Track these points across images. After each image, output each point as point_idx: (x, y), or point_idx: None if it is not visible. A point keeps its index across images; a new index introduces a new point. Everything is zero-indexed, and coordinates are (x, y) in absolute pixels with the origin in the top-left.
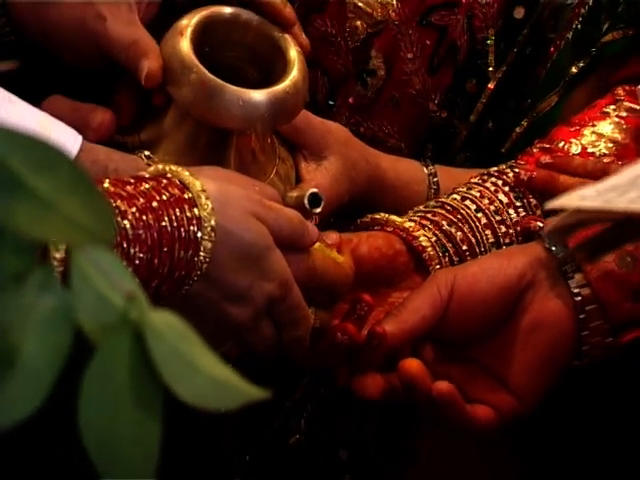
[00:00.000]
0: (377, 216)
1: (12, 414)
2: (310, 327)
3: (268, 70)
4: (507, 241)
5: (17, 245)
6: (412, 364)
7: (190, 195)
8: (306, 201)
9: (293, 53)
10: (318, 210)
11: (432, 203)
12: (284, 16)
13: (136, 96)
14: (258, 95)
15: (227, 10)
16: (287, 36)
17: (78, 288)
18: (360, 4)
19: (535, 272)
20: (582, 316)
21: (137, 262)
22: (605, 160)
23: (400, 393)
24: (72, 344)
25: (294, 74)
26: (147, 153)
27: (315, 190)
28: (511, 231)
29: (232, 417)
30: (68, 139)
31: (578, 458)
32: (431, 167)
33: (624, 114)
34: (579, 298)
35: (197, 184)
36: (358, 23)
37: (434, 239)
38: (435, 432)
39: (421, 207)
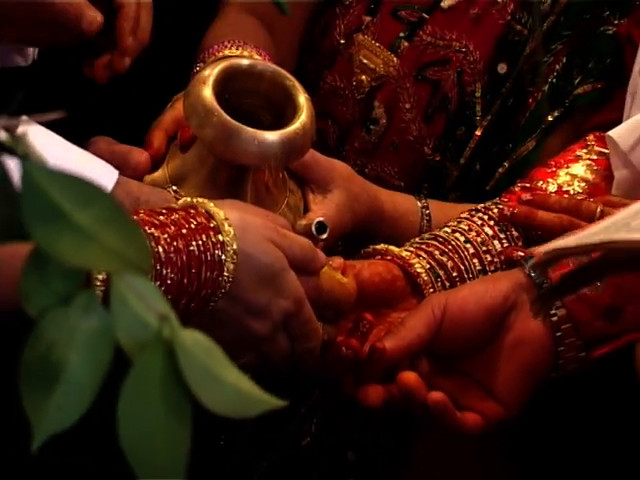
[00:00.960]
0: (378, 247)
1: (58, 423)
2: (320, 340)
3: (280, 114)
4: (492, 268)
5: (63, 271)
6: (409, 376)
7: (215, 223)
8: (313, 229)
9: (302, 99)
10: (324, 237)
11: (426, 235)
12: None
13: (165, 137)
14: (272, 136)
15: (244, 62)
16: (297, 84)
17: (117, 310)
18: (365, 61)
19: (517, 295)
20: (558, 334)
21: (169, 282)
22: (578, 197)
23: (399, 402)
24: (111, 360)
25: (303, 118)
26: (174, 188)
27: (321, 219)
28: (496, 260)
29: (250, 423)
30: (105, 174)
31: (564, 462)
32: (424, 201)
33: (595, 157)
34: (555, 318)
35: (221, 214)
36: (363, 77)
37: (428, 266)
38: (430, 437)
39: (416, 239)
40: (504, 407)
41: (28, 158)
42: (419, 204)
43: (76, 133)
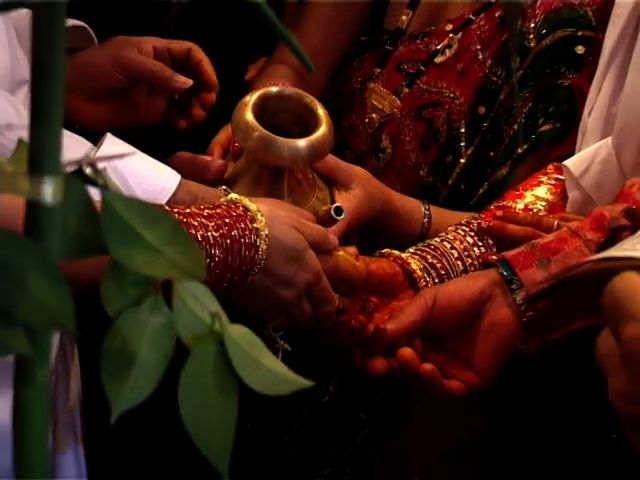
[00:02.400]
0: (384, 251)
1: (131, 401)
2: (335, 306)
3: (305, 125)
4: (472, 269)
5: (135, 280)
6: (406, 352)
7: (250, 214)
8: (332, 212)
9: (321, 112)
10: (341, 217)
11: (421, 244)
12: (211, 80)
13: (221, 150)
14: (299, 142)
15: (274, 88)
16: (316, 101)
17: (178, 310)
18: (375, 103)
19: (492, 289)
20: (524, 319)
21: (217, 260)
22: (540, 214)
23: (398, 372)
24: (174, 350)
25: (323, 127)
26: (224, 187)
27: (339, 204)
28: (475, 262)
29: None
30: (171, 177)
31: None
32: (426, 204)
33: (553, 182)
34: (522, 307)
35: (254, 207)
36: (374, 116)
37: (422, 266)
38: (423, 400)
39: (414, 247)
40: (481, 377)
41: (107, 188)
42: (423, 207)
43: (163, 148)
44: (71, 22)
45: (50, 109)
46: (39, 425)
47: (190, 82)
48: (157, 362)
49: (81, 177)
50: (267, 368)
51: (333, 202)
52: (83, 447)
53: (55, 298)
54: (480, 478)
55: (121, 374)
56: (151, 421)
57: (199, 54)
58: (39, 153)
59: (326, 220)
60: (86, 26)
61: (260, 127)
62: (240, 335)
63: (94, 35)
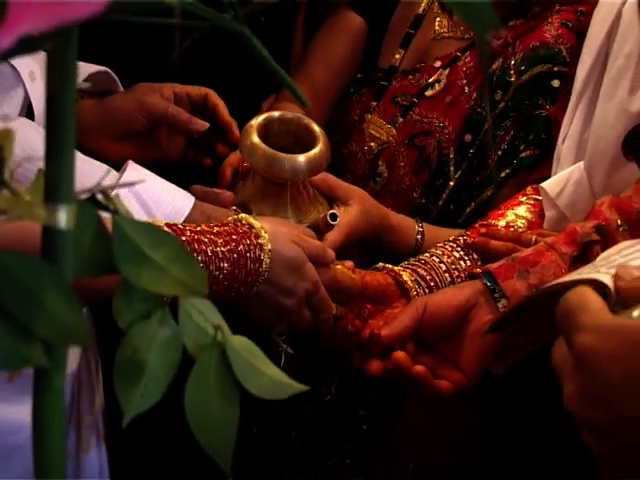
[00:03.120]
0: (378, 265)
1: (141, 406)
2: (333, 313)
3: (305, 144)
4: (459, 280)
5: (144, 296)
6: (400, 354)
7: (255, 231)
8: (328, 217)
9: (318, 132)
10: (335, 223)
11: (412, 259)
12: (226, 122)
13: (232, 170)
14: (299, 158)
15: (276, 113)
16: (313, 122)
17: (183, 323)
18: (373, 132)
19: (477, 298)
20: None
21: (225, 272)
22: (520, 231)
23: (393, 373)
24: (180, 359)
25: (320, 144)
26: (234, 208)
27: (333, 211)
28: (462, 274)
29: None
30: (187, 199)
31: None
32: (419, 222)
33: (532, 202)
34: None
35: (258, 224)
36: (372, 144)
37: (413, 278)
38: (415, 399)
39: (406, 261)
40: (467, 377)
41: (118, 213)
42: (416, 224)
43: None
44: (96, 68)
45: (63, 143)
46: (57, 429)
47: (206, 125)
48: (165, 370)
49: (94, 203)
50: (266, 375)
51: (337, 212)
52: (105, 447)
53: (69, 315)
54: (471, 470)
55: (132, 381)
56: (161, 424)
57: (215, 99)
58: (54, 183)
59: (323, 226)
60: (109, 70)
61: (264, 145)
62: (241, 345)
63: (117, 78)
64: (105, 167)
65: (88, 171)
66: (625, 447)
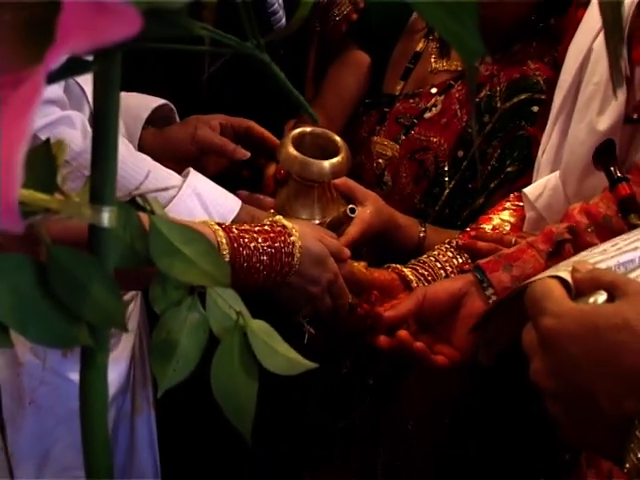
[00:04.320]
0: (386, 265)
1: (174, 379)
2: (349, 300)
3: (329, 152)
4: (452, 275)
5: (176, 285)
6: (403, 333)
7: (288, 230)
8: (348, 210)
9: (340, 143)
10: (354, 215)
11: (413, 260)
12: (275, 145)
13: (273, 177)
14: (325, 163)
15: (308, 128)
16: (336, 136)
17: (210, 308)
18: (380, 150)
19: (468, 287)
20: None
21: (264, 264)
22: (503, 233)
23: (397, 348)
24: (207, 340)
25: (342, 154)
26: (272, 211)
27: (352, 205)
28: (455, 270)
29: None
30: (235, 202)
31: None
32: (422, 223)
33: (514, 207)
34: (490, 300)
35: (290, 225)
36: (380, 161)
37: (414, 274)
38: (416, 371)
39: (409, 263)
40: (460, 353)
41: (154, 213)
42: (420, 225)
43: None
44: (160, 101)
45: (107, 154)
46: (100, 398)
47: (248, 155)
48: (194, 349)
49: (134, 205)
50: (281, 354)
51: (355, 207)
52: (155, 412)
53: (110, 302)
54: (461, 427)
55: (166, 359)
56: (190, 396)
57: (258, 128)
58: (98, 188)
59: (344, 218)
60: (169, 103)
61: (297, 153)
62: (259, 328)
63: (174, 108)
64: (175, 176)
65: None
66: (581, 415)
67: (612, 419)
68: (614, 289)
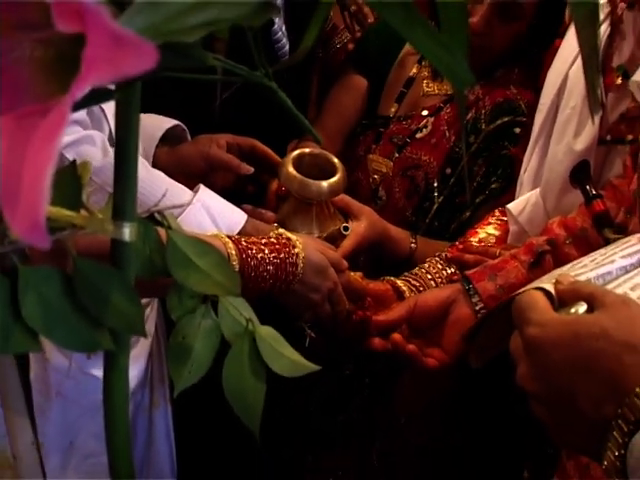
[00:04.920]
0: (381, 278)
1: (189, 380)
2: (347, 307)
3: (327, 172)
4: (442, 285)
5: (191, 294)
6: (397, 336)
7: (292, 243)
8: (342, 229)
9: (337, 162)
10: (347, 233)
11: (406, 273)
12: (277, 162)
13: (275, 194)
14: (323, 183)
15: (307, 150)
16: (334, 157)
17: (222, 315)
18: (375, 167)
19: (456, 295)
20: (478, 315)
21: (271, 273)
22: (488, 246)
23: (391, 350)
24: (219, 344)
25: (339, 174)
26: (276, 224)
27: (346, 224)
28: (444, 281)
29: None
30: (241, 215)
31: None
32: (413, 235)
33: (499, 222)
34: (476, 307)
35: (294, 237)
36: (376, 176)
37: (406, 285)
38: (409, 371)
39: (402, 275)
40: (448, 355)
41: (171, 228)
42: (411, 236)
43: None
44: (172, 122)
45: (128, 174)
46: (122, 396)
47: (251, 170)
48: (207, 353)
49: (152, 220)
50: (286, 357)
51: (349, 225)
52: (171, 406)
53: (131, 309)
54: (449, 423)
55: (182, 361)
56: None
57: (262, 146)
58: (120, 205)
59: (338, 235)
60: (181, 123)
61: (297, 174)
62: (267, 333)
63: (186, 128)
64: (188, 192)
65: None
66: (563, 416)
67: (592, 421)
68: (593, 300)
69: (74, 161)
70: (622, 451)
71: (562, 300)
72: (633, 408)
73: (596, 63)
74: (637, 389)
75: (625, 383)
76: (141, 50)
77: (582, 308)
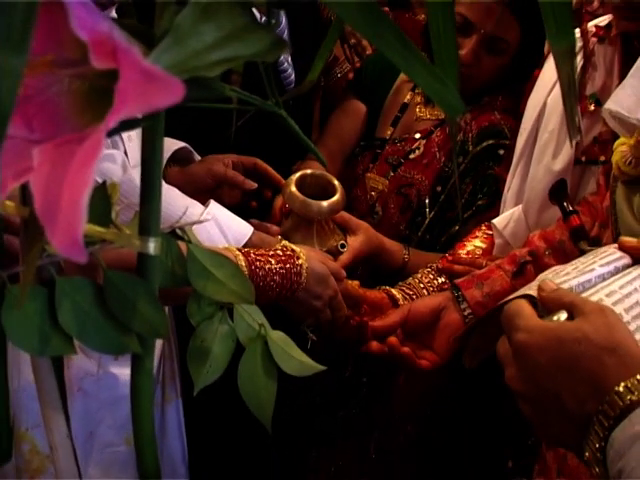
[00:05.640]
0: (377, 287)
1: (207, 379)
2: (345, 313)
3: (327, 192)
4: (433, 293)
5: (209, 302)
6: (392, 339)
7: (296, 254)
8: (339, 246)
9: (337, 184)
10: (344, 250)
11: (400, 282)
12: (276, 178)
13: (279, 210)
14: (323, 203)
15: (309, 171)
16: (334, 179)
17: (237, 321)
18: (373, 185)
19: (446, 302)
20: (466, 320)
21: (277, 282)
22: (475, 257)
23: (387, 352)
24: (235, 347)
25: (338, 194)
26: (280, 237)
27: (342, 242)
28: (435, 289)
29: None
30: (248, 228)
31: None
32: (406, 247)
33: (485, 236)
34: (465, 313)
35: (298, 249)
36: (373, 193)
37: (401, 293)
38: (404, 372)
39: (397, 285)
40: (439, 357)
41: (191, 242)
42: (404, 248)
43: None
44: (180, 144)
45: (153, 193)
46: (148, 394)
47: (255, 185)
48: (224, 355)
49: (174, 235)
50: (295, 358)
51: (345, 242)
52: (182, 401)
53: (155, 316)
54: (441, 417)
55: (201, 363)
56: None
57: (263, 164)
58: (145, 222)
59: (335, 252)
60: (188, 145)
61: (299, 194)
62: (278, 337)
63: (193, 150)
64: (199, 205)
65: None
66: (549, 414)
67: (576, 417)
68: (573, 308)
69: (104, 182)
70: (602, 443)
71: (545, 306)
72: (613, 405)
73: (574, 93)
74: (616, 387)
75: (605, 382)
76: (169, 85)
77: (563, 316)
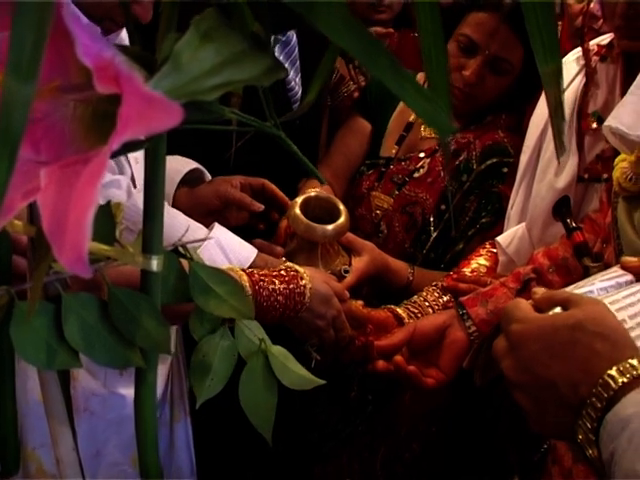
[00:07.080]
0: (382, 306)
1: (209, 393)
2: (349, 333)
3: (332, 215)
4: (438, 311)
5: (211, 318)
6: (398, 358)
7: (300, 275)
8: (342, 271)
9: (341, 206)
10: (347, 275)
11: (405, 301)
12: (284, 200)
13: (284, 232)
14: (328, 227)
15: (313, 193)
16: (339, 201)
17: (238, 336)
18: (378, 203)
19: (451, 320)
20: (471, 337)
21: (281, 302)
22: (480, 275)
23: (393, 371)
24: (236, 361)
25: (342, 217)
26: (284, 259)
27: (345, 267)
28: (440, 307)
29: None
30: (251, 250)
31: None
32: (411, 266)
33: (489, 254)
34: (469, 330)
35: (302, 270)
36: (377, 212)
37: (406, 312)
38: (410, 390)
39: (402, 303)
40: (445, 375)
41: (193, 259)
42: (409, 267)
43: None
44: (193, 165)
45: (156, 213)
46: (150, 408)
47: (262, 207)
48: (225, 369)
49: (177, 253)
50: (295, 372)
51: (350, 264)
52: (190, 419)
53: (158, 331)
54: (445, 433)
55: (203, 376)
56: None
57: (271, 185)
58: (148, 240)
59: (338, 276)
60: (200, 166)
61: (304, 218)
62: (278, 352)
63: (205, 170)
64: (202, 228)
65: (194, 230)
66: (544, 401)
67: (570, 402)
68: (567, 303)
69: (109, 202)
70: (595, 424)
71: (539, 307)
72: (606, 387)
73: (561, 113)
74: (608, 371)
75: (598, 366)
76: (168, 109)
77: (558, 310)
